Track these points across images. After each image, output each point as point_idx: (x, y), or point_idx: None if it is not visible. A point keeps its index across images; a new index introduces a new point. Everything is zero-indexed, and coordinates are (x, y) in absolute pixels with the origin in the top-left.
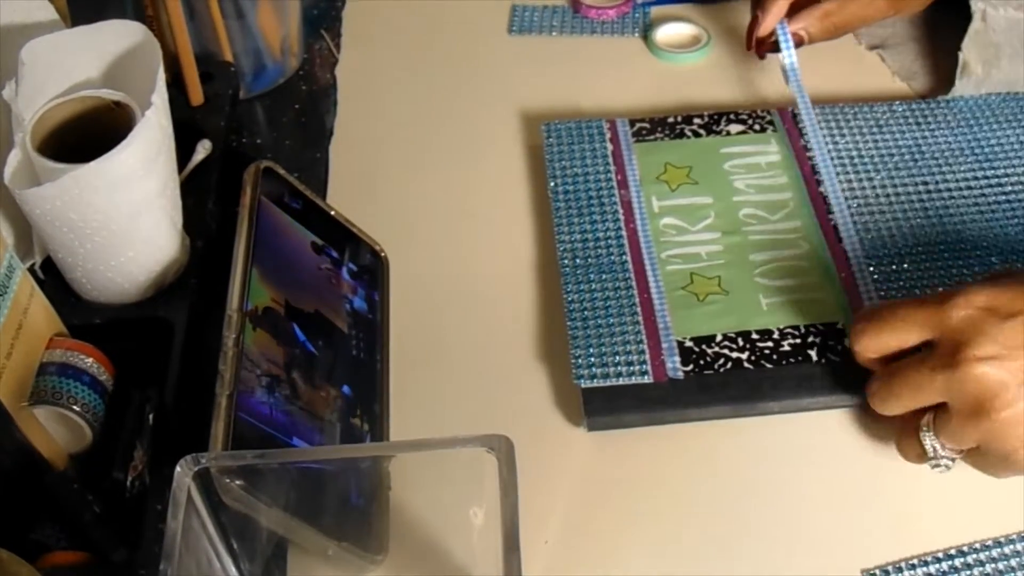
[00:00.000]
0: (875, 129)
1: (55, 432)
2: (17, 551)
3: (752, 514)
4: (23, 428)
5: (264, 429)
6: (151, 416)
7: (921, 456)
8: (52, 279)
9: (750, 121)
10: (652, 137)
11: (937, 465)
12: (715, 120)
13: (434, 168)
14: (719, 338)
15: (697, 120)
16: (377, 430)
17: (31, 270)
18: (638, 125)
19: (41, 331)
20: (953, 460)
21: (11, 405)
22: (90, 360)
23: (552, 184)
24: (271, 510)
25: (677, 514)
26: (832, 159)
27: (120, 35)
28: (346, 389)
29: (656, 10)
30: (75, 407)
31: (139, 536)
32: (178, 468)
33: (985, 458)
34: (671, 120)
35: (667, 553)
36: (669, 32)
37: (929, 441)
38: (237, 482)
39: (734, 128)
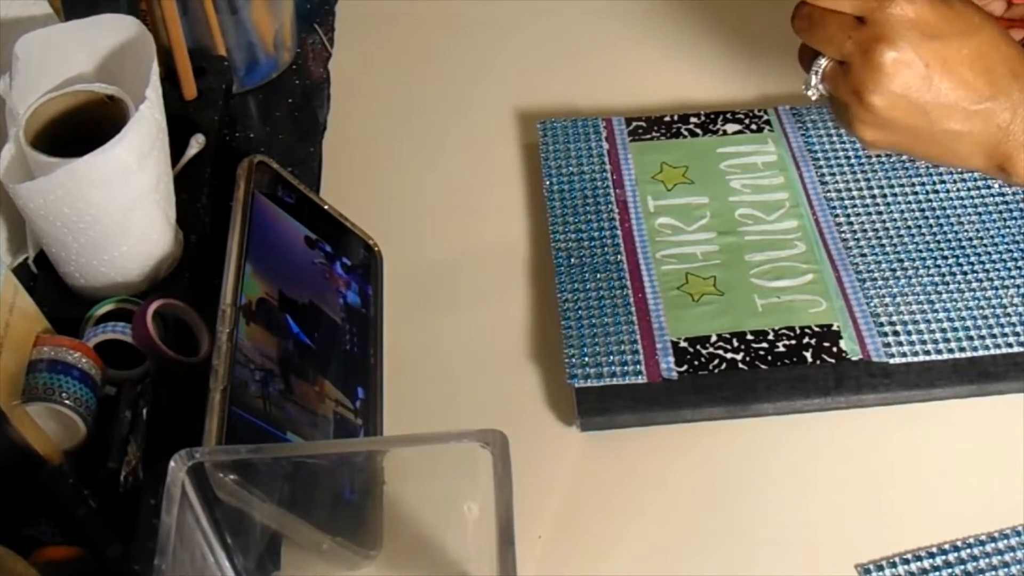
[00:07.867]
0: None
1: (49, 429)
2: (11, 546)
3: (745, 512)
4: (18, 426)
5: (258, 424)
6: (145, 411)
7: (806, 75)
8: (45, 273)
9: (747, 121)
10: (648, 136)
11: (807, 90)
12: (712, 119)
13: (428, 163)
14: (714, 339)
15: (694, 119)
16: (371, 425)
17: (24, 264)
18: (634, 124)
19: (27, 329)
20: (819, 95)
21: (4, 404)
22: (78, 354)
23: (548, 183)
24: (265, 505)
25: (670, 512)
26: (828, 160)
27: (114, 29)
28: (340, 383)
29: None
30: (67, 401)
31: (133, 531)
32: (172, 463)
33: (843, 114)
34: (667, 119)
35: (660, 550)
36: None
37: (815, 78)
38: (231, 477)
39: (731, 128)
